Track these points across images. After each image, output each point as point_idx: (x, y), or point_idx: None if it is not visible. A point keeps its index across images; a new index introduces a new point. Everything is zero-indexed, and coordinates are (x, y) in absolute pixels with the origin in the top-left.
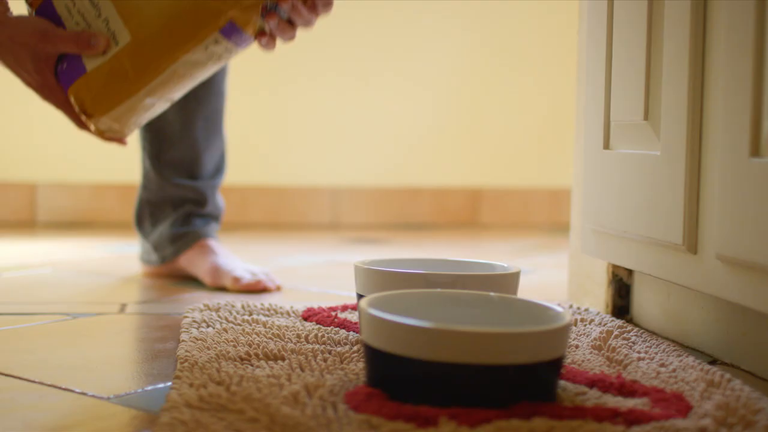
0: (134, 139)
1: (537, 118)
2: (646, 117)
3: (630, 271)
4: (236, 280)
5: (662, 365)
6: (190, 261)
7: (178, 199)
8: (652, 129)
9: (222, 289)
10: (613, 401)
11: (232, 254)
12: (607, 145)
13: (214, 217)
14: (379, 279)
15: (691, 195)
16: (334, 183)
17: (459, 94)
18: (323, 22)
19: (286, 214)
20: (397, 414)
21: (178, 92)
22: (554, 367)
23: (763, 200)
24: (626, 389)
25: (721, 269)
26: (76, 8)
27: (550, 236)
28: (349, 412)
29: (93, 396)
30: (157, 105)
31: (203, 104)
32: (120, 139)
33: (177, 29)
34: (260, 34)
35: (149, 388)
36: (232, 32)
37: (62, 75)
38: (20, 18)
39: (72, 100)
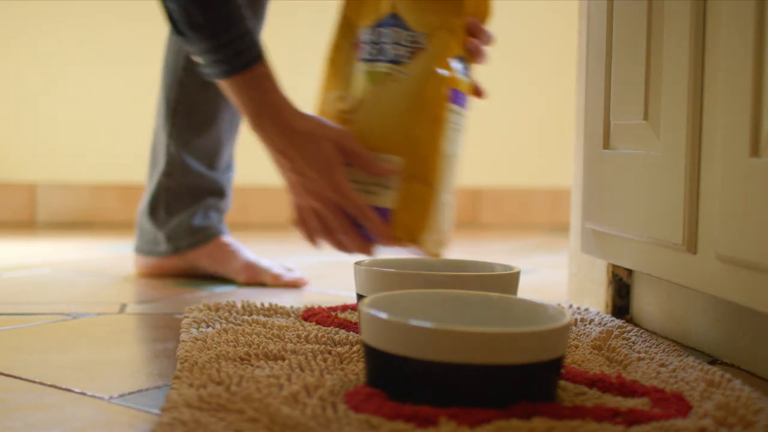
0: (140, 138)
1: (537, 118)
2: (645, 117)
3: (630, 271)
4: (275, 277)
5: (662, 365)
6: (211, 257)
7: (198, 190)
8: (651, 129)
9: (261, 284)
10: (613, 401)
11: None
12: (607, 145)
13: (225, 214)
14: (379, 279)
15: (691, 195)
16: None
17: None
18: (323, 21)
19: (286, 215)
20: (397, 414)
21: (454, 176)
22: (554, 367)
23: (763, 200)
24: (626, 389)
25: (721, 269)
26: None
27: (550, 236)
28: (349, 412)
29: (93, 396)
30: (450, 199)
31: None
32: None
33: (419, 128)
34: (475, 92)
35: (149, 388)
36: (456, 98)
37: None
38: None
39: (399, 241)
